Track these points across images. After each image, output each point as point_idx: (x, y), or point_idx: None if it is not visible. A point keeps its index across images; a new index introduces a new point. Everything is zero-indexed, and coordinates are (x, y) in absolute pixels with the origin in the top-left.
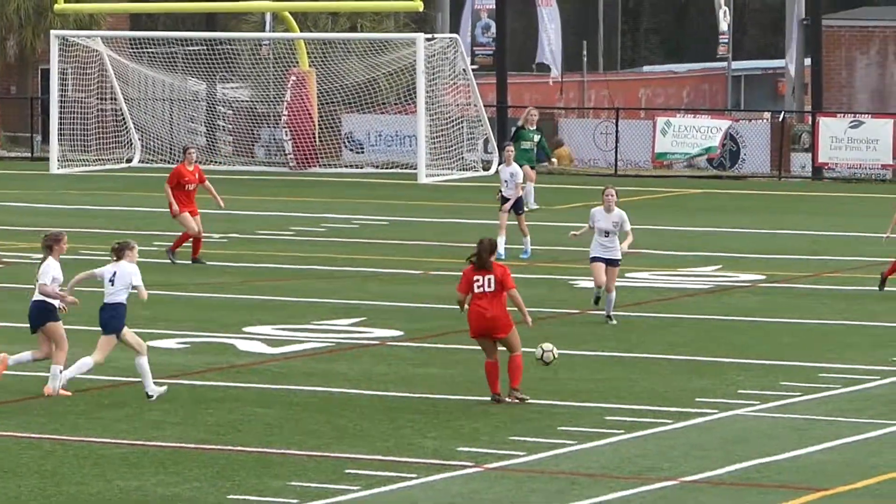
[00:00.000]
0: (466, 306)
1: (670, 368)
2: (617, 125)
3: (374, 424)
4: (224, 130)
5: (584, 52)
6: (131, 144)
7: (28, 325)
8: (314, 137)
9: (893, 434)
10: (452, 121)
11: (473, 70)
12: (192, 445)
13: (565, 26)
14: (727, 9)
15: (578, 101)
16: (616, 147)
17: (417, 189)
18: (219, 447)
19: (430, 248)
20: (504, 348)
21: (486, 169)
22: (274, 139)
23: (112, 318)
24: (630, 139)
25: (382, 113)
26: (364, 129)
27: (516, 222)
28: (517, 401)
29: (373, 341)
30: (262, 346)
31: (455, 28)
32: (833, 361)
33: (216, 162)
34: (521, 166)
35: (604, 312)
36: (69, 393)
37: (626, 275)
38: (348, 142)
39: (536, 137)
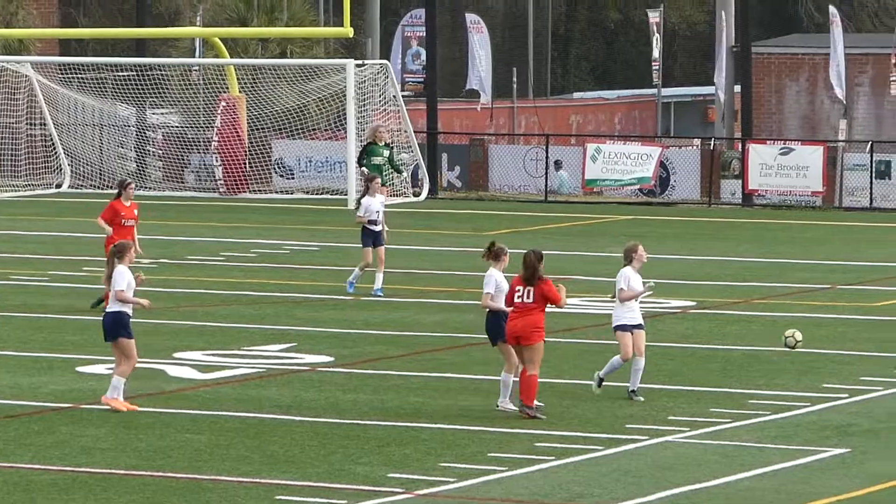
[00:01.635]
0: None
1: (601, 395)
2: (547, 151)
3: (304, 451)
4: (154, 156)
5: (514, 79)
6: (61, 170)
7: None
8: (244, 163)
9: (822, 461)
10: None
11: (404, 96)
12: (122, 471)
13: (495, 52)
14: (658, 35)
15: (508, 128)
16: (546, 173)
17: (347, 215)
18: (149, 473)
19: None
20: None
21: (416, 195)
22: (204, 165)
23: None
24: (560, 165)
25: (313, 139)
26: (294, 155)
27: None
28: (526, 415)
29: (303, 367)
30: (193, 372)
31: (385, 54)
32: (762, 388)
33: (146, 187)
34: (373, 178)
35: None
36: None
37: None
38: (278, 168)
39: (387, 153)
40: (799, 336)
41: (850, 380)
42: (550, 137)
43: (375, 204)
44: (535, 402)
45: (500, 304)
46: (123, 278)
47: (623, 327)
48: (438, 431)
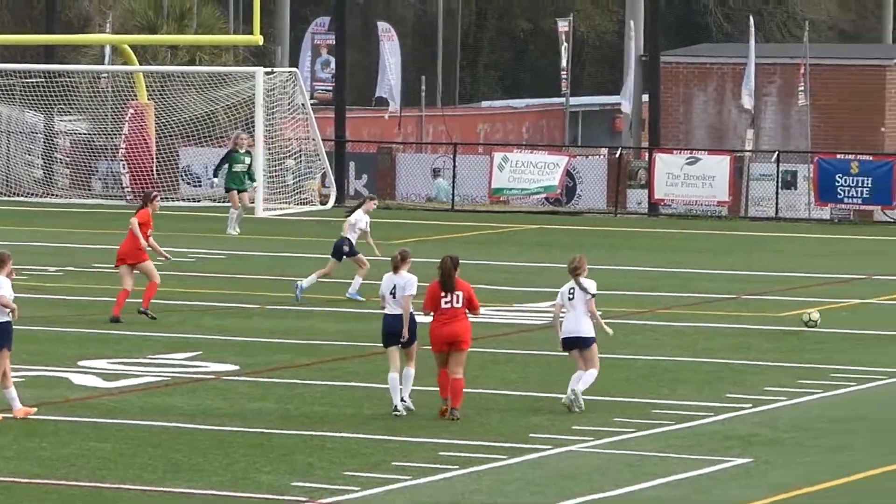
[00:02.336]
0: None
1: (505, 404)
2: (455, 160)
3: (209, 459)
4: (61, 163)
5: (423, 87)
6: None
7: None
8: (152, 170)
9: (725, 470)
10: (291, 155)
11: (312, 104)
12: (26, 480)
13: (404, 61)
14: (567, 44)
15: (416, 136)
16: (454, 182)
17: (255, 223)
18: (53, 482)
19: (267, 282)
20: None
21: (323, 203)
22: (111, 172)
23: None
24: (467, 174)
25: (221, 146)
26: (202, 163)
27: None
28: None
29: (208, 375)
30: (97, 380)
31: (294, 62)
32: (666, 397)
33: (53, 195)
34: (228, 191)
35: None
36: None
37: None
38: (186, 175)
39: (248, 160)
40: (815, 315)
41: (753, 390)
42: (458, 146)
43: (361, 222)
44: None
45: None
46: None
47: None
48: (343, 440)
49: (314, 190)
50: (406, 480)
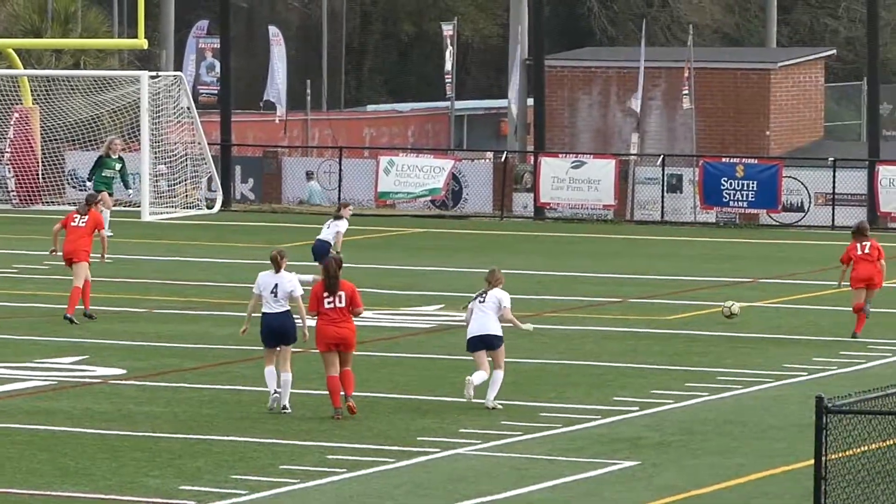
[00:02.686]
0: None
1: (393, 407)
2: (340, 164)
3: (96, 463)
4: None
5: (308, 91)
6: None
7: None
8: (37, 175)
9: (612, 473)
10: (176, 159)
11: (198, 108)
12: None
13: (290, 64)
14: (452, 48)
15: (302, 140)
16: (339, 185)
17: (141, 227)
18: None
19: (154, 286)
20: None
21: (209, 207)
22: None
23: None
24: (353, 178)
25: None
26: (88, 167)
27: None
28: (349, 408)
29: (95, 380)
30: None
31: (179, 66)
32: (553, 401)
33: None
34: (99, 192)
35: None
36: None
37: None
38: (72, 179)
39: (118, 166)
40: (736, 308)
41: (640, 393)
42: (344, 150)
43: (340, 226)
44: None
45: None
46: None
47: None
48: (230, 444)
49: (191, 193)
50: (294, 484)
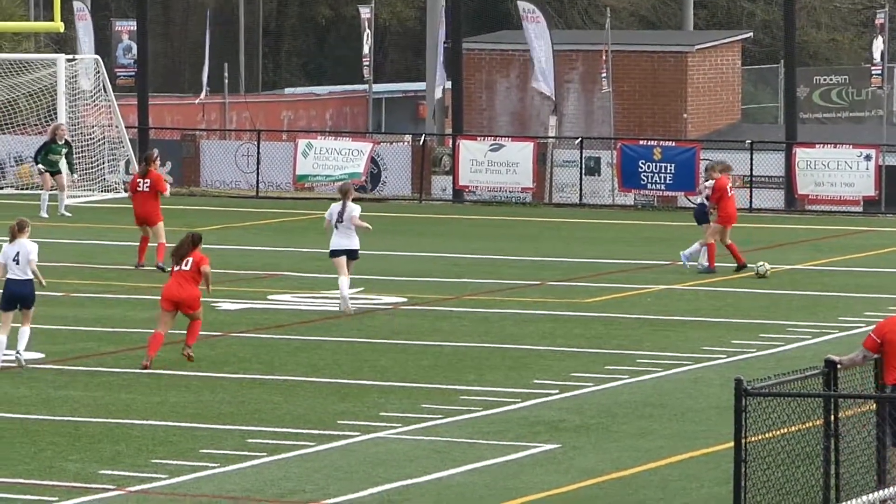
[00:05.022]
0: None
1: (313, 391)
2: (259, 147)
3: (14, 448)
4: None
5: (226, 74)
6: None
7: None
8: None
9: (533, 456)
10: (94, 142)
11: (115, 92)
12: None
13: (208, 48)
14: (369, 31)
15: (220, 123)
16: (258, 169)
17: (58, 211)
18: None
19: (71, 269)
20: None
21: (127, 191)
22: None
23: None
24: (271, 161)
25: (22, 134)
26: (4, 151)
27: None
28: (187, 356)
29: (13, 364)
30: None
31: (97, 49)
32: (473, 384)
33: None
34: (41, 173)
35: None
36: None
37: (268, 297)
38: None
39: (64, 151)
40: (767, 266)
41: (560, 376)
42: (262, 133)
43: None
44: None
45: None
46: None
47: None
48: (150, 428)
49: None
50: (214, 468)
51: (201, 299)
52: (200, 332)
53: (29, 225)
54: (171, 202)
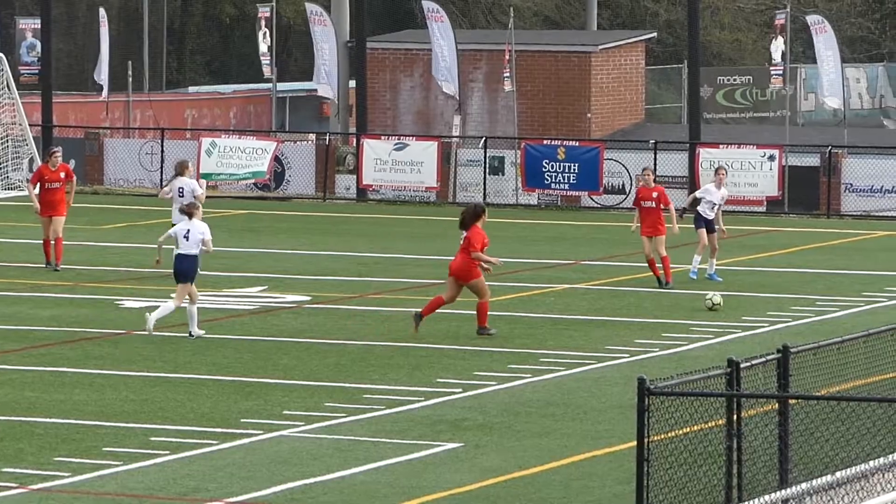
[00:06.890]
0: None
1: (216, 389)
2: (162, 145)
3: None
4: None
5: (130, 72)
6: None
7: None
8: None
9: (436, 455)
10: None
11: (18, 89)
12: None
13: (111, 46)
14: (267, 30)
15: (124, 121)
16: (161, 167)
17: None
18: None
19: None
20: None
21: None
22: None
23: (189, 267)
24: (175, 160)
25: None
26: None
27: None
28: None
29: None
30: None
31: (0, 47)
32: (377, 382)
33: None
34: None
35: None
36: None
37: (172, 295)
38: None
39: None
40: (718, 299)
41: (463, 374)
42: (166, 131)
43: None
44: None
45: None
46: None
47: None
48: (53, 426)
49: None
50: (117, 466)
51: None
52: (108, 330)
53: None
54: (76, 200)
